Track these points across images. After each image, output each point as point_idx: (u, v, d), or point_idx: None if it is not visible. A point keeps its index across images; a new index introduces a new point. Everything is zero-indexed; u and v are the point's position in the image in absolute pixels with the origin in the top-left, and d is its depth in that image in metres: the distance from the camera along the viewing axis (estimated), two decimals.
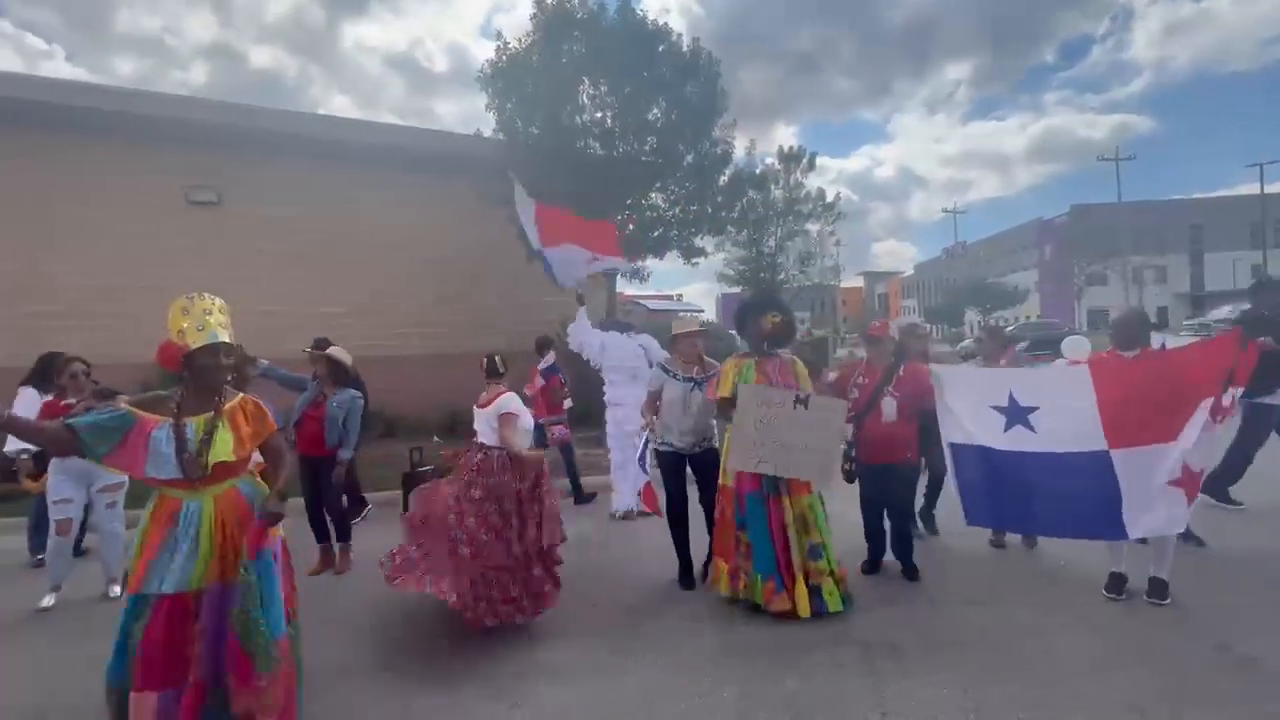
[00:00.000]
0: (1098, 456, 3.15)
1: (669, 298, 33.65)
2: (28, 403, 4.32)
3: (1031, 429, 3.29)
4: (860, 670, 2.91)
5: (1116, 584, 3.54)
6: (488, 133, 10.13)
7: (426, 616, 3.62)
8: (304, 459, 4.41)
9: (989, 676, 2.80)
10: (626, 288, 13.33)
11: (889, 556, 4.07)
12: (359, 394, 4.56)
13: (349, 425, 4.40)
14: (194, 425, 2.33)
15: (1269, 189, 36.19)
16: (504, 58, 9.64)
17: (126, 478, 4.09)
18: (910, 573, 3.93)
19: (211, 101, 10.70)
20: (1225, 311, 25.90)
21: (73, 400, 4.07)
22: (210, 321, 2.37)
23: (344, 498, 4.82)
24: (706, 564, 4.01)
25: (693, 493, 4.04)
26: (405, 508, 5.68)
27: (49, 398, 4.27)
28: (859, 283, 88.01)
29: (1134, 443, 3.11)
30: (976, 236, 63.02)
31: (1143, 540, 3.41)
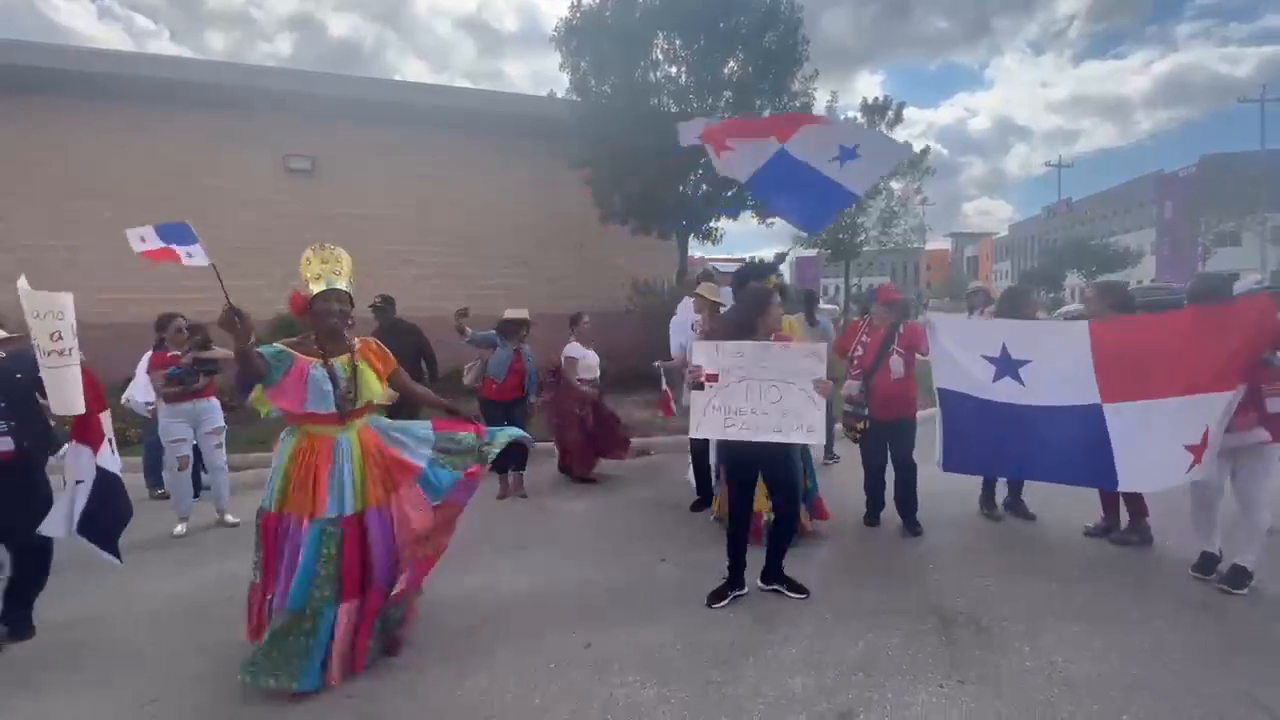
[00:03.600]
0: (1089, 410, 3.17)
1: (741, 260, 32.87)
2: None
3: (1020, 382, 3.30)
4: (936, 639, 2.84)
5: (1207, 564, 3.30)
6: (560, 93, 10.11)
7: (502, 561, 3.84)
8: (495, 404, 5.19)
9: (1076, 653, 2.67)
10: (699, 249, 13.13)
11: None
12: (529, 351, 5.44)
13: (530, 374, 5.33)
14: (340, 365, 2.63)
15: None
16: (578, 15, 9.51)
17: (223, 423, 4.68)
18: (911, 527, 4.08)
19: (302, 71, 11.23)
20: None
21: (177, 352, 4.53)
22: (327, 270, 2.64)
23: None
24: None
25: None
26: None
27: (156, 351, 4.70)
28: (946, 245, 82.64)
29: (1132, 396, 3.07)
30: (1084, 193, 57.25)
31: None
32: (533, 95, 11.46)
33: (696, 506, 4.71)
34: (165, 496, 4.96)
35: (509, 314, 5.29)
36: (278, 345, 2.59)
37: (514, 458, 5.13)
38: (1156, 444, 3.07)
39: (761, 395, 3.03)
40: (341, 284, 2.64)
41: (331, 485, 2.53)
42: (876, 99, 17.48)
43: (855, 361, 4.21)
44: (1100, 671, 2.55)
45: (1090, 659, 2.64)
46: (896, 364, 4.01)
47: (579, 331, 5.50)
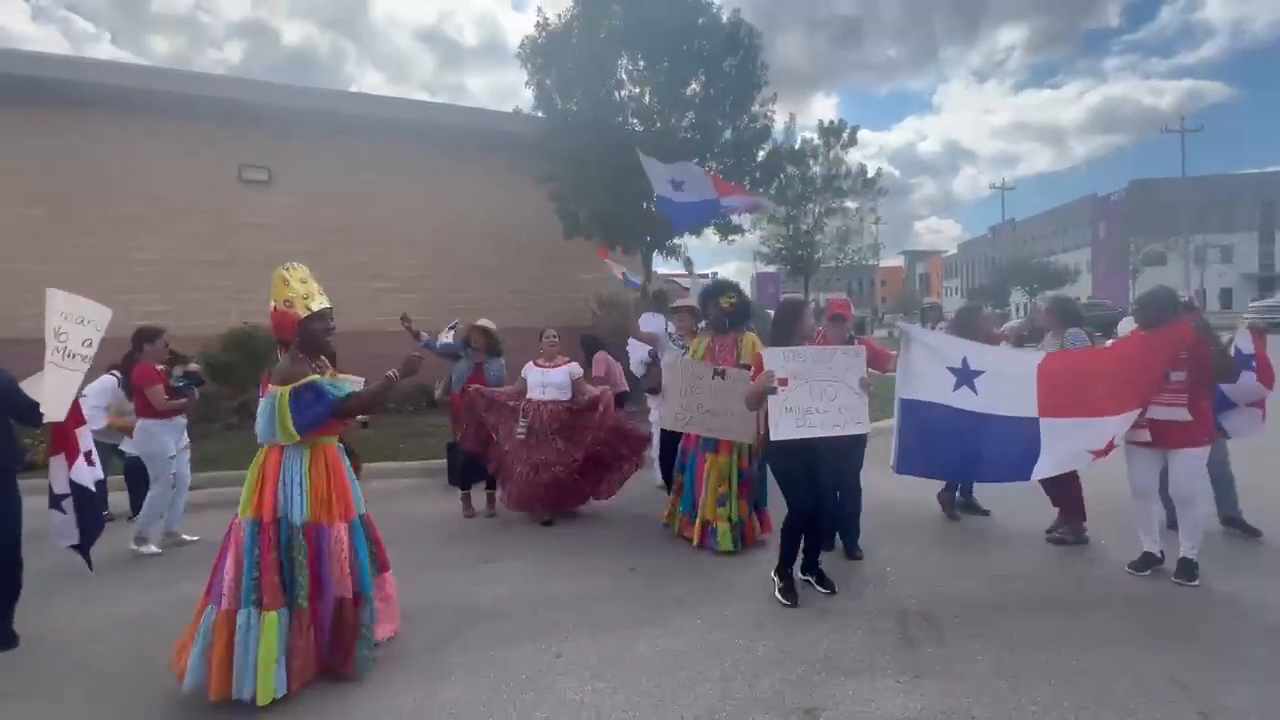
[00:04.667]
0: (1027, 421, 3.44)
1: (703, 276, 33.36)
2: (103, 388, 4.89)
3: (974, 391, 3.54)
4: (894, 638, 2.98)
5: (1146, 562, 3.55)
6: (525, 109, 10.21)
7: (472, 567, 3.83)
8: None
9: (1025, 646, 2.84)
10: (662, 265, 13.32)
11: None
12: (503, 361, 5.24)
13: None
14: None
15: None
16: (543, 34, 9.65)
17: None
18: (851, 550, 3.98)
19: (260, 81, 11.04)
20: None
21: (163, 366, 4.43)
22: (313, 289, 2.72)
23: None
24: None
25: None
26: (450, 478, 5.98)
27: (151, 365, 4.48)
28: (899, 262, 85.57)
29: (1064, 414, 3.38)
30: (1026, 214, 60.38)
31: (1172, 526, 3.63)
32: (497, 110, 11.54)
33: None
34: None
35: (477, 324, 5.24)
36: (318, 376, 2.66)
37: (478, 475, 5.14)
38: (1070, 449, 3.41)
39: (822, 394, 3.37)
40: (326, 301, 2.74)
41: (353, 488, 2.78)
42: (832, 122, 18.15)
43: None
44: (1043, 661, 2.71)
45: (1035, 650, 2.80)
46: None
47: (542, 348, 5.01)
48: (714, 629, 3.10)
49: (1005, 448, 3.50)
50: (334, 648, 2.63)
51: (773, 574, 3.48)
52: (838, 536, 4.08)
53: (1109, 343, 3.97)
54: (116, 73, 9.69)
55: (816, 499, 3.44)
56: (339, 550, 2.60)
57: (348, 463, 2.82)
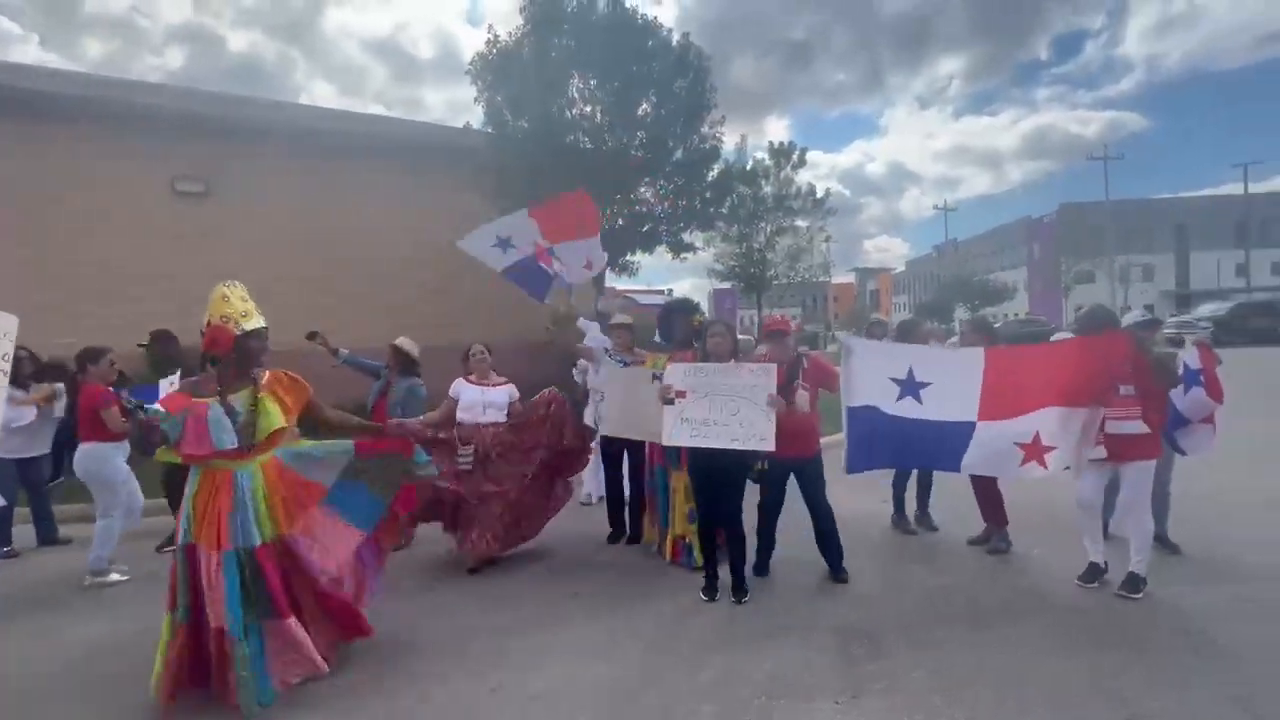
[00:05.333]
0: (965, 425, 3.54)
1: (659, 292, 33.63)
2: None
3: (919, 401, 3.63)
4: (834, 655, 2.98)
5: (1092, 573, 3.63)
6: (476, 124, 10.14)
7: (406, 600, 3.68)
8: None
9: (959, 658, 2.88)
10: (616, 281, 13.36)
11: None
12: (420, 382, 4.80)
13: (406, 411, 4.50)
14: (240, 400, 2.63)
15: (1253, 189, 36.67)
16: (494, 50, 9.63)
17: None
18: (837, 573, 3.89)
19: (198, 90, 10.64)
20: (1209, 309, 26.29)
21: (110, 388, 4.16)
22: (251, 308, 2.70)
23: None
24: (635, 525, 4.68)
25: None
26: None
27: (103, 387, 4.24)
28: (851, 279, 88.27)
29: (998, 416, 3.49)
30: (967, 233, 63.38)
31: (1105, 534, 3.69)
32: (446, 125, 11.41)
33: (613, 539, 4.74)
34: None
35: (393, 342, 4.86)
36: (211, 400, 2.61)
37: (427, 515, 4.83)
38: (997, 447, 3.50)
39: (723, 408, 3.49)
40: (263, 320, 2.72)
41: (234, 519, 2.58)
42: (782, 143, 18.63)
43: None
44: (979, 674, 2.75)
45: (971, 662, 2.85)
46: (802, 398, 3.84)
47: (471, 365, 4.51)
48: (657, 654, 3.04)
49: (940, 445, 3.61)
50: (215, 676, 2.56)
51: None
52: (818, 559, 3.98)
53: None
54: (44, 78, 9.18)
55: (713, 509, 3.70)
56: (207, 578, 2.53)
57: (246, 491, 2.60)
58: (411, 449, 3.10)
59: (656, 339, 4.99)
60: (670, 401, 3.59)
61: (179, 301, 9.02)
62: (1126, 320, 3.91)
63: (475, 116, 10.13)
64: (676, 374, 3.65)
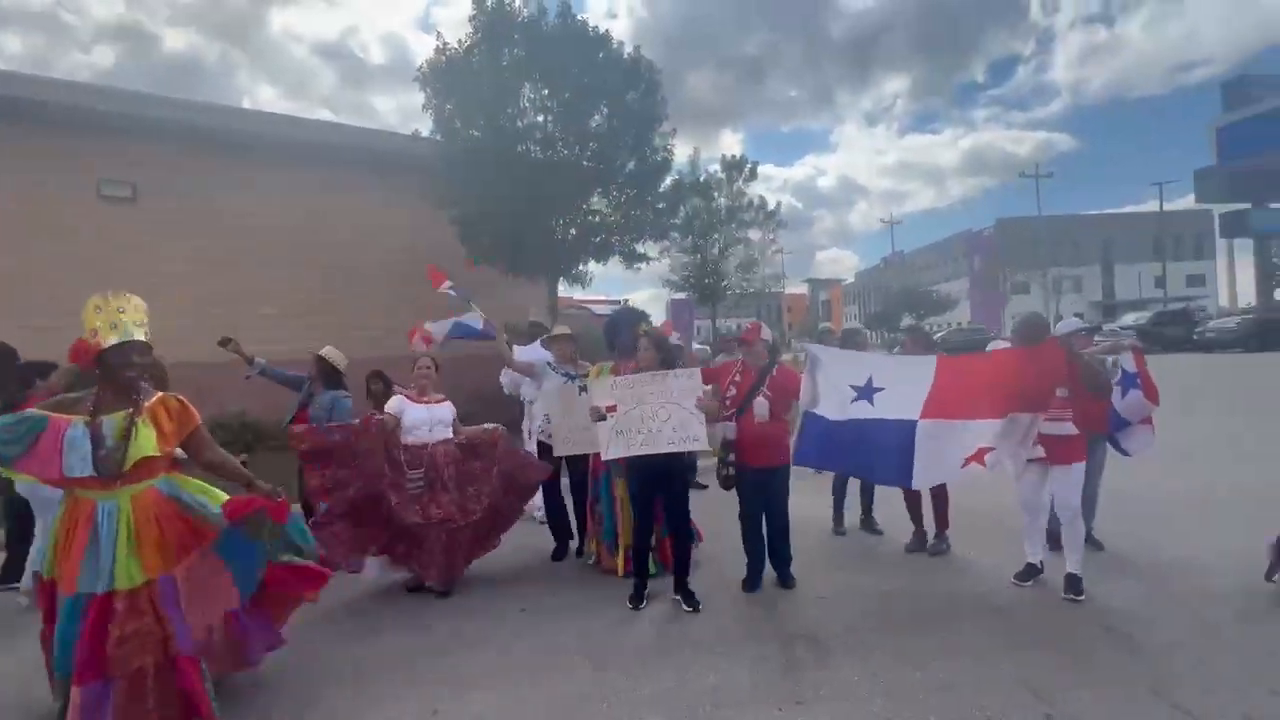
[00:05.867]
0: (908, 424, 3.68)
1: (616, 303, 33.67)
2: None
3: (871, 404, 3.79)
4: (778, 663, 3.00)
5: (1029, 573, 3.76)
6: (426, 132, 9.95)
7: (344, 619, 3.53)
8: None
9: (899, 661, 2.94)
10: (572, 292, 13.30)
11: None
12: (345, 394, 4.51)
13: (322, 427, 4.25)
14: (111, 423, 2.35)
15: (1168, 207, 39.45)
16: (443, 58, 9.50)
17: None
18: (785, 579, 3.90)
19: (124, 90, 10.12)
20: (1131, 318, 28.02)
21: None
22: (124, 320, 2.41)
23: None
24: (581, 538, 4.60)
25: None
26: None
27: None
28: (804, 289, 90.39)
29: (939, 415, 3.64)
30: (913, 246, 66.00)
31: (1057, 547, 3.81)
32: (394, 132, 11.18)
33: (557, 555, 4.62)
34: None
35: (318, 352, 4.55)
36: (31, 410, 2.35)
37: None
38: (943, 452, 3.63)
39: (654, 416, 3.58)
40: (140, 334, 2.43)
41: (87, 558, 2.29)
42: (734, 157, 19.04)
43: (728, 402, 4.01)
44: (917, 677, 2.82)
45: (910, 666, 2.90)
46: (760, 407, 3.84)
47: (414, 379, 4.22)
48: (603, 669, 3.00)
49: (887, 448, 3.70)
50: None
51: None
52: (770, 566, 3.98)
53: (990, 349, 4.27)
54: None
55: (648, 519, 3.76)
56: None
57: (104, 528, 2.29)
58: (286, 513, 2.66)
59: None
60: (602, 418, 3.64)
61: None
62: (1066, 328, 4.09)
63: (426, 124, 9.91)
64: (603, 390, 3.72)
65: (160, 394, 2.54)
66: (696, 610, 3.57)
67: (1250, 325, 22.70)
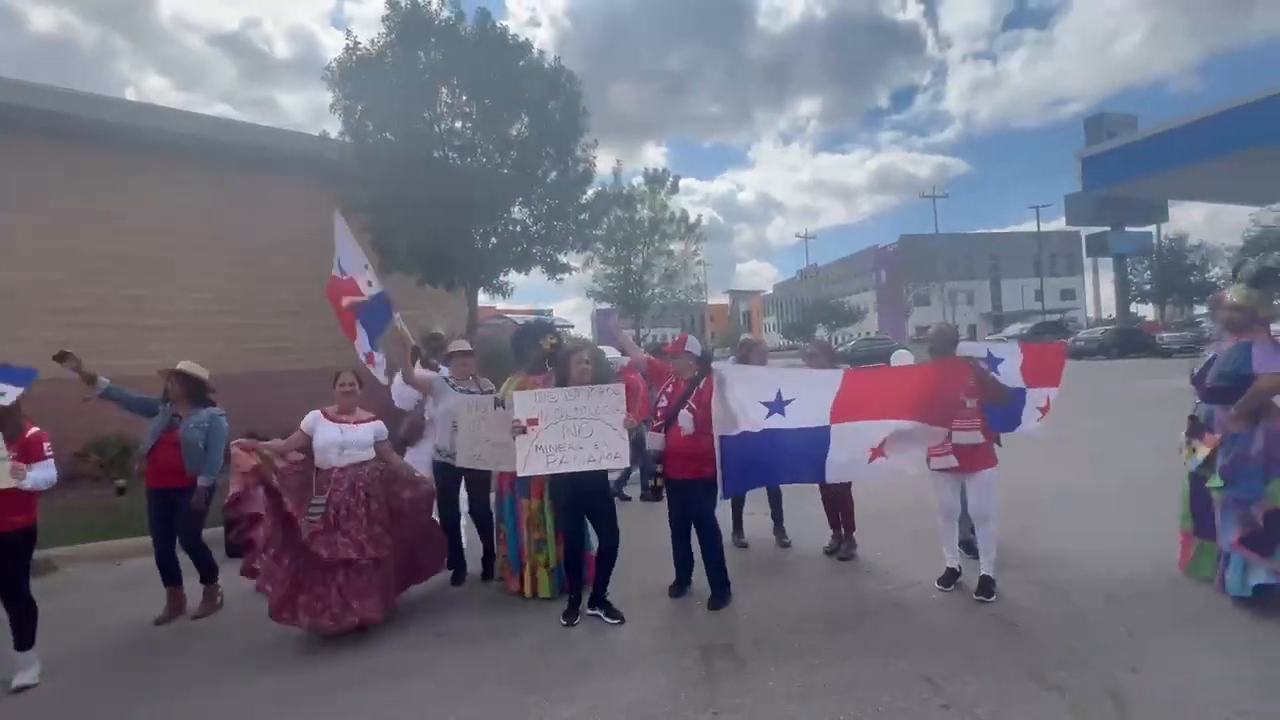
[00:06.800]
0: (821, 430, 3.84)
1: (540, 313, 33.30)
2: None
3: (784, 415, 3.89)
4: (697, 674, 3.04)
5: (949, 577, 3.94)
6: (335, 133, 9.49)
7: (243, 653, 3.26)
8: (154, 493, 4.01)
9: (812, 666, 3.05)
10: (496, 301, 13.02)
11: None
12: (222, 412, 4.13)
13: (211, 447, 3.94)
14: None
15: (1045, 228, 43.74)
16: (354, 58, 9.10)
17: None
18: (717, 600, 3.83)
19: None
20: (1015, 329, 30.73)
21: None
22: None
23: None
24: (488, 561, 4.46)
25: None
26: (228, 551, 5.11)
27: None
28: (725, 300, 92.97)
29: (848, 419, 3.83)
30: (826, 259, 69.43)
31: (973, 553, 4.03)
32: (298, 131, 10.59)
33: (456, 580, 4.40)
34: None
35: (174, 368, 4.08)
36: None
37: (204, 563, 4.10)
38: (852, 451, 3.82)
39: (577, 432, 3.53)
40: None
41: None
42: (657, 170, 19.38)
43: (659, 414, 3.99)
44: (827, 678, 2.93)
45: (821, 668, 3.02)
46: (685, 420, 3.82)
47: (335, 397, 3.86)
48: (524, 691, 2.93)
49: (802, 453, 3.83)
50: None
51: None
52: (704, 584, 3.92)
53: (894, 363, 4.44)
54: None
55: (578, 533, 3.77)
56: None
57: None
58: None
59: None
60: (523, 431, 3.55)
61: None
62: (1013, 331, 4.44)
63: (335, 125, 9.43)
64: (526, 402, 3.62)
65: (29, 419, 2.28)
66: (621, 621, 3.59)
67: (1112, 335, 25.73)
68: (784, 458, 3.88)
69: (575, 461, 3.52)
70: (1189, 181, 20.96)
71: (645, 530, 4.56)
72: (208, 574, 4.15)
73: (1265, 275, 3.91)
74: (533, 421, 3.56)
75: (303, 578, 3.50)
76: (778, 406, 3.88)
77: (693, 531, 3.99)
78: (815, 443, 3.85)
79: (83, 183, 8.78)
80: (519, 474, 3.66)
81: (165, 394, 4.10)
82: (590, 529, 3.91)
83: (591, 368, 3.83)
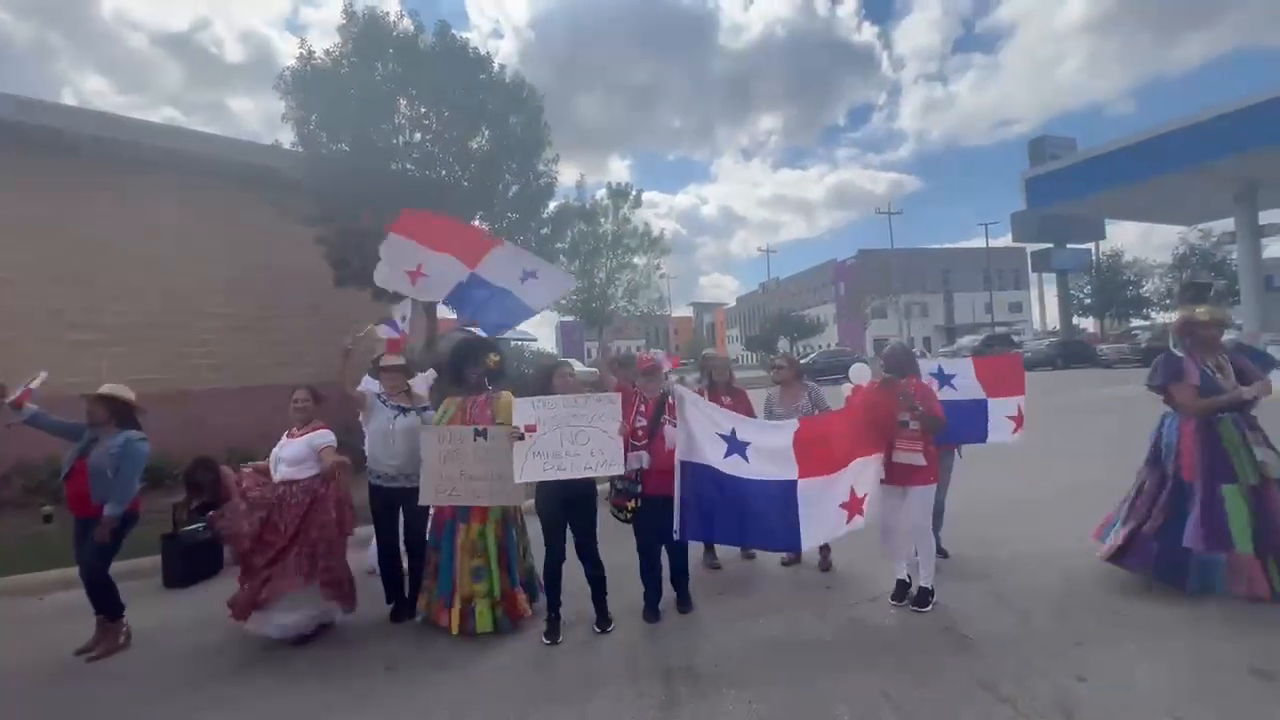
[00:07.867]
0: (788, 484, 3.74)
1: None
2: None
3: (746, 459, 3.79)
4: (659, 697, 3.00)
5: (900, 591, 3.98)
6: (288, 143, 9.22)
7: (184, 691, 3.07)
8: (80, 522, 3.80)
9: (771, 685, 3.04)
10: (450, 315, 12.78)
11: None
12: (140, 436, 3.87)
13: (122, 474, 3.70)
14: None
15: (993, 244, 45.55)
16: (309, 66, 8.89)
17: None
18: (684, 603, 3.99)
19: None
20: (966, 341, 31.80)
21: None
22: None
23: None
24: (413, 597, 4.09)
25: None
26: (165, 580, 4.91)
27: None
28: (689, 313, 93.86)
29: (814, 474, 3.78)
30: (787, 273, 70.85)
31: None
32: (250, 141, 10.28)
33: (396, 616, 4.09)
34: None
35: (97, 391, 3.88)
36: None
37: (105, 600, 3.83)
38: (823, 508, 3.73)
39: (573, 439, 3.54)
40: None
41: None
42: (620, 184, 19.49)
43: (640, 433, 3.88)
44: (785, 696, 2.93)
45: (780, 686, 3.02)
46: (671, 434, 3.82)
47: (290, 413, 3.98)
48: (485, 713, 2.84)
49: (771, 510, 3.70)
50: None
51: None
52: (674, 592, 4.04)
53: (845, 390, 4.33)
54: None
55: (559, 546, 3.71)
56: None
57: None
58: None
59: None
60: (521, 438, 3.56)
61: None
62: (966, 343, 4.52)
63: (289, 134, 9.16)
64: (525, 409, 3.64)
65: None
66: (606, 631, 3.73)
67: (1056, 347, 27.03)
68: (752, 514, 3.76)
69: (573, 469, 3.52)
70: (1122, 201, 22.29)
71: (604, 550, 4.50)
72: (111, 611, 3.84)
73: (1194, 289, 4.18)
74: (530, 428, 3.57)
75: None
76: (736, 447, 3.80)
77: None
78: (783, 500, 3.73)
79: (14, 188, 8.32)
80: (515, 480, 3.56)
81: (90, 418, 3.85)
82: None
83: (574, 380, 3.83)
